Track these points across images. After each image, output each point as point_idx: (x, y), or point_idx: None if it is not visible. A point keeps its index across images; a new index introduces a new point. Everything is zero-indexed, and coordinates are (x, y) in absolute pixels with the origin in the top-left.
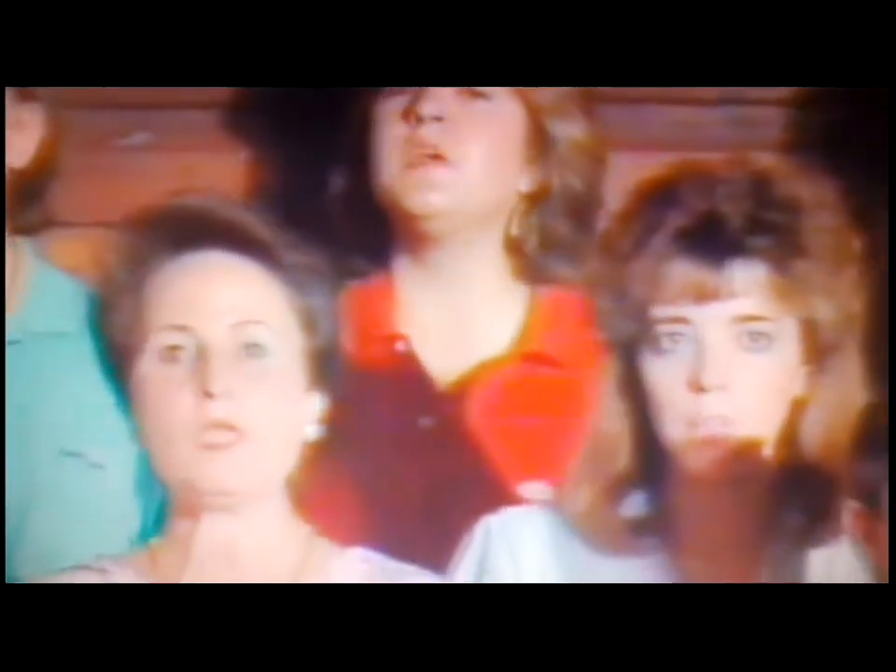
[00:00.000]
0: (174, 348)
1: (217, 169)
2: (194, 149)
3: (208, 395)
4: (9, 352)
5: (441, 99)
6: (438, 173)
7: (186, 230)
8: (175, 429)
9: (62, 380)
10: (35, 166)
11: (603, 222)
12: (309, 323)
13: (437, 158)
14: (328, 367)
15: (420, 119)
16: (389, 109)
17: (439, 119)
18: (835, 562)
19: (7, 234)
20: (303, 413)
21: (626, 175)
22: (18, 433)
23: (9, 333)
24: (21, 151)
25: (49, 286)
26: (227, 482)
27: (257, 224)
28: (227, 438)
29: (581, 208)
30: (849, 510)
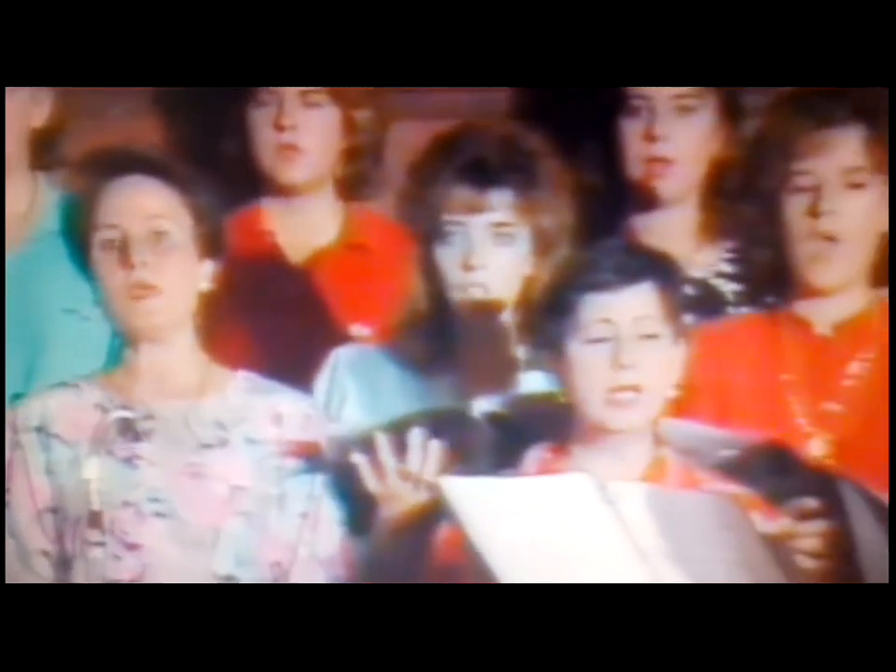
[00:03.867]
0: (109, 240)
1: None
2: (141, 120)
3: (131, 266)
4: (34, 246)
5: (293, 112)
6: (295, 156)
7: (119, 163)
8: (114, 290)
9: (64, 262)
10: (48, 127)
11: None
12: (199, 217)
13: (293, 148)
14: (214, 245)
15: (282, 128)
16: (262, 116)
17: (293, 127)
18: None
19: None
20: (198, 275)
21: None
22: (35, 298)
23: (34, 232)
24: (39, 116)
25: (59, 207)
26: (152, 319)
27: (164, 158)
28: (146, 293)
29: (379, 157)
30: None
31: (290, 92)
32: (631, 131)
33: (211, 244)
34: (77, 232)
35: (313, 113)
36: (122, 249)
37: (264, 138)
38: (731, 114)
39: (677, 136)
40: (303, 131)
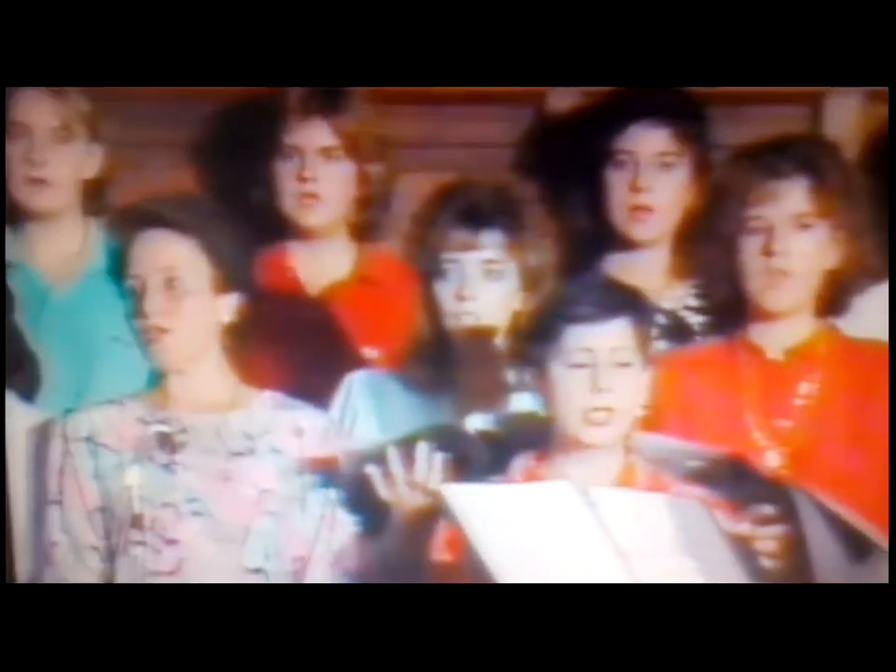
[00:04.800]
0: (132, 288)
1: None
2: (179, 172)
3: (145, 316)
4: (85, 281)
5: (314, 165)
6: (315, 204)
7: (143, 218)
8: (138, 332)
9: (110, 297)
10: (98, 178)
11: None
12: (216, 261)
13: (313, 196)
14: (233, 283)
15: (304, 180)
16: (287, 169)
17: (314, 178)
18: None
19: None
20: (216, 311)
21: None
22: (85, 327)
23: (85, 269)
24: (91, 168)
25: (108, 250)
26: (168, 357)
27: (182, 212)
28: (160, 335)
29: (387, 205)
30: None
31: (311, 148)
32: (617, 181)
33: (230, 281)
34: (118, 276)
35: (331, 167)
36: (140, 297)
37: (288, 188)
38: (703, 168)
39: (658, 188)
40: (322, 181)
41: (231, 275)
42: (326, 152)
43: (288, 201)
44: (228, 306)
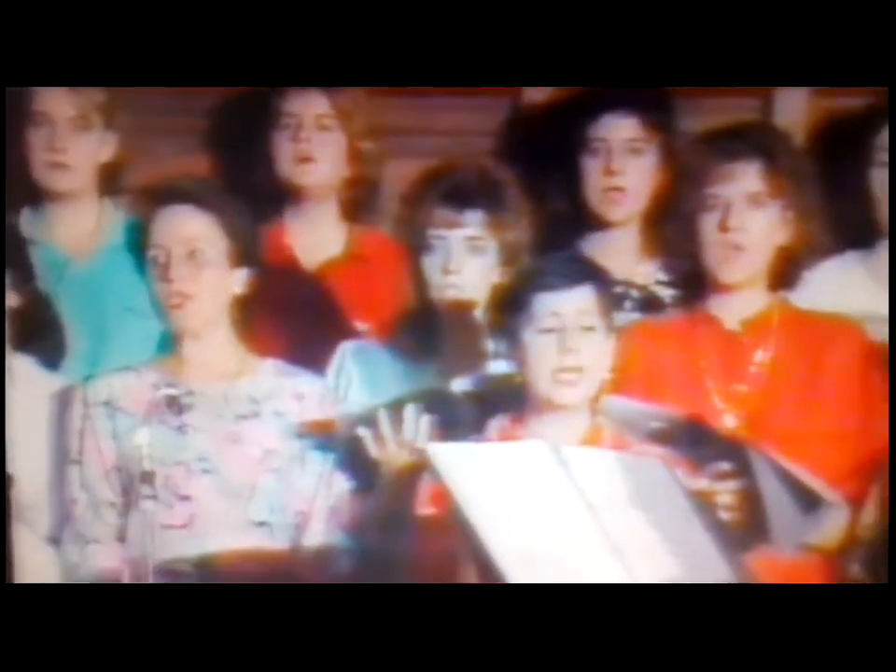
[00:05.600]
0: (155, 257)
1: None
2: (188, 156)
3: (170, 280)
4: (101, 256)
5: (309, 128)
6: (309, 166)
7: (166, 194)
8: (159, 297)
9: (124, 270)
10: (113, 162)
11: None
12: (232, 235)
13: (307, 158)
14: (245, 257)
15: (299, 140)
16: (284, 135)
17: (308, 139)
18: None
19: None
20: (231, 282)
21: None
22: (101, 298)
23: (101, 245)
24: (106, 153)
25: (121, 226)
26: (188, 321)
27: (202, 189)
28: (182, 300)
29: (377, 188)
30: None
31: (308, 115)
32: (592, 166)
33: (242, 256)
34: (138, 248)
35: (325, 135)
36: (165, 266)
37: (284, 150)
38: (669, 153)
39: (629, 171)
40: (315, 143)
41: (243, 250)
42: (320, 120)
43: (285, 164)
44: (239, 279)
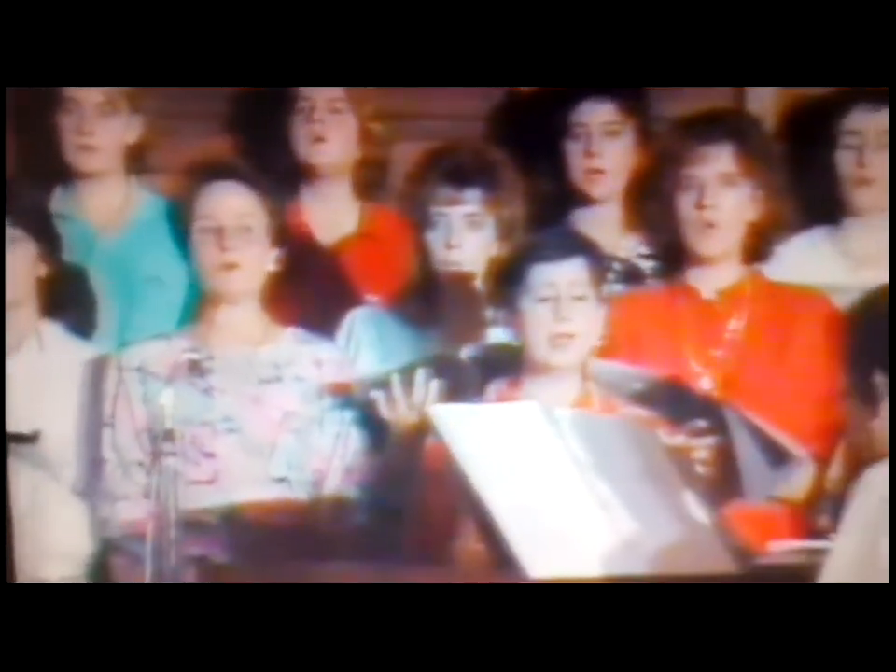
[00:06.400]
0: (206, 228)
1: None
2: (211, 138)
3: (224, 249)
4: (127, 232)
5: (322, 111)
6: (322, 145)
7: (215, 171)
8: (208, 264)
9: (150, 244)
10: (139, 143)
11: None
12: (271, 214)
13: (321, 139)
14: (281, 235)
15: (313, 121)
16: (299, 118)
17: (321, 121)
18: None
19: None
20: (268, 259)
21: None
22: (129, 270)
23: (127, 221)
24: (132, 135)
25: (148, 204)
26: (233, 286)
27: (248, 168)
28: (232, 269)
29: (385, 168)
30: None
31: (321, 99)
32: (574, 149)
33: (279, 234)
34: (179, 222)
35: (336, 117)
36: (218, 235)
37: (299, 132)
38: (645, 136)
39: (607, 153)
40: (328, 125)
41: (279, 229)
42: (332, 103)
43: (300, 145)
44: (273, 256)
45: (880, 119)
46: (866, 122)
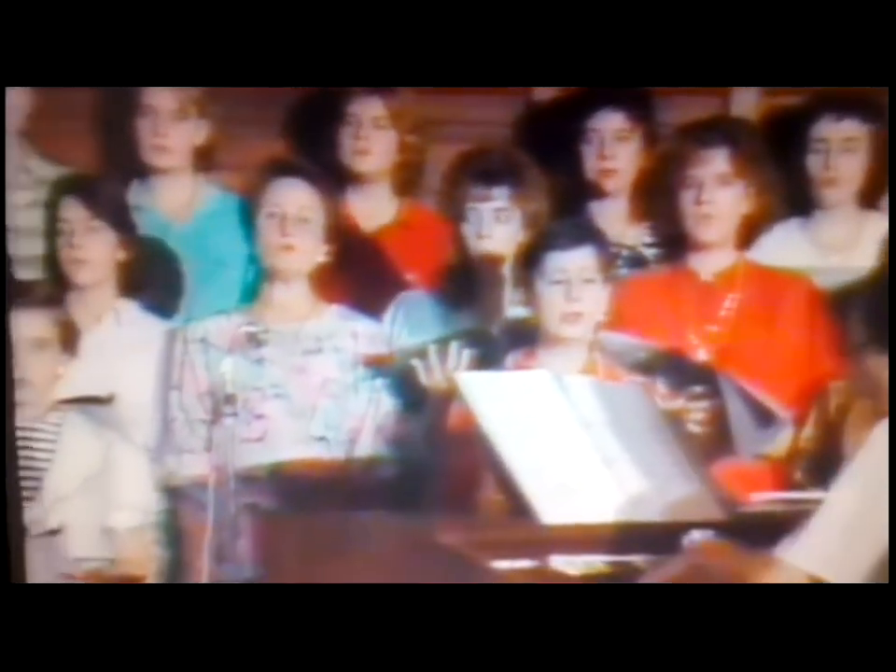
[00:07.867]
0: (272, 214)
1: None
2: (271, 141)
3: (286, 234)
4: (194, 223)
5: (367, 127)
6: (366, 157)
7: (283, 168)
8: (271, 246)
9: (214, 232)
10: (206, 145)
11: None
12: (327, 210)
13: (364, 151)
14: (334, 231)
15: (358, 137)
16: (347, 132)
17: (366, 137)
18: None
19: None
20: (320, 250)
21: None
22: (196, 254)
23: (194, 213)
24: (198, 139)
25: (214, 197)
26: (292, 266)
27: (311, 168)
28: (292, 251)
29: (422, 168)
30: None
31: (366, 116)
32: (589, 152)
33: (332, 231)
34: (246, 212)
35: (379, 132)
36: (281, 222)
37: (346, 144)
38: (651, 141)
39: (618, 155)
40: (372, 140)
41: (332, 226)
42: (376, 121)
43: (346, 155)
44: (325, 250)
45: (844, 127)
46: (832, 131)
